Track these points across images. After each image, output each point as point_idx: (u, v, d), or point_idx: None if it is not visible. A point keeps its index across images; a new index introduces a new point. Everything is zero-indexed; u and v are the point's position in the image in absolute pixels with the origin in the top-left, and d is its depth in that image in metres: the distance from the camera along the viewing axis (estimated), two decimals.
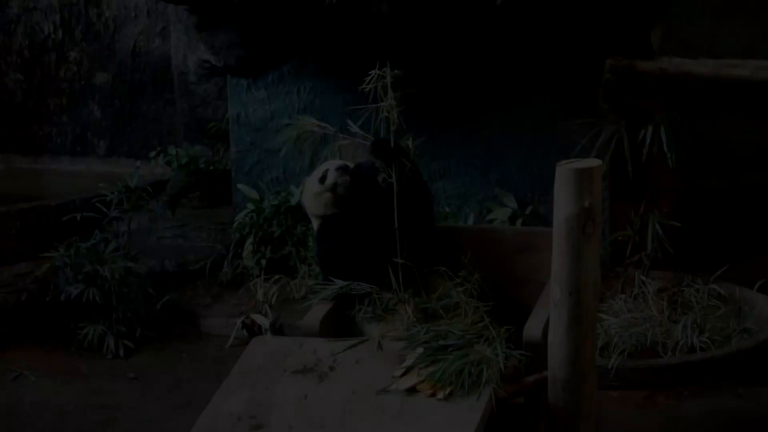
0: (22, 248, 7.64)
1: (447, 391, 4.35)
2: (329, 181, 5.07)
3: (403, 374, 4.48)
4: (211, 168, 8.16)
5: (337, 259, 5.02)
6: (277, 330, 6.52)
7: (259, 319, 6.55)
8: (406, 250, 4.89)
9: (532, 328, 4.71)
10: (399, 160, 4.92)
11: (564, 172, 4.26)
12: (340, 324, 4.97)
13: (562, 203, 4.28)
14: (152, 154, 8.49)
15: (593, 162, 4.33)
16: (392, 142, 4.91)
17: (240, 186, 7.44)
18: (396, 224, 4.87)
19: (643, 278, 6.48)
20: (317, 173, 5.17)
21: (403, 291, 4.89)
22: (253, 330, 6.51)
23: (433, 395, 4.37)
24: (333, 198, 5.08)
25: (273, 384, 4.52)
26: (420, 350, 4.56)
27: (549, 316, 4.46)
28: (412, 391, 4.40)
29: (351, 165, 5.08)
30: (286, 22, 7.14)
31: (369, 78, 4.84)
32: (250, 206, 7.25)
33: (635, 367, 5.91)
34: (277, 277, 6.95)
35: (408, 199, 4.94)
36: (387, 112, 4.83)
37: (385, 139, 4.96)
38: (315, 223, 5.26)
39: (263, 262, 7.06)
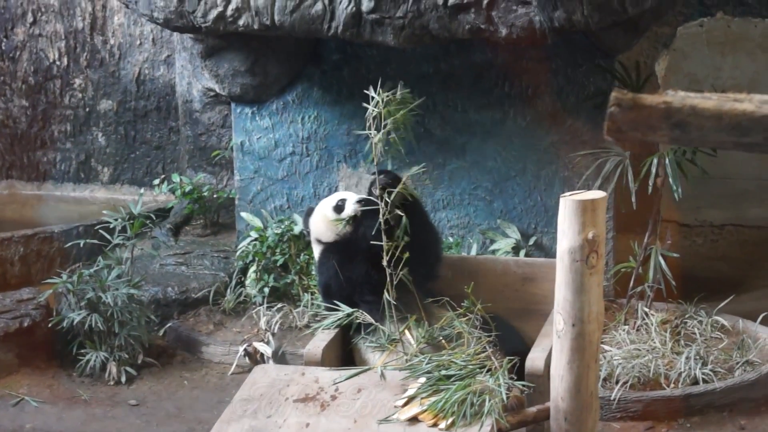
0: (24, 274, 7.65)
1: (449, 421, 4.34)
2: (348, 212, 5.09)
3: (405, 404, 4.48)
4: (215, 196, 8.17)
5: (339, 285, 5.03)
6: (280, 358, 6.51)
7: (261, 347, 6.54)
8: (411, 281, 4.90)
9: (534, 359, 4.71)
10: (403, 195, 4.94)
11: (568, 203, 4.26)
12: (343, 353, 4.97)
13: (566, 234, 4.28)
14: (156, 181, 8.51)
15: (597, 194, 4.33)
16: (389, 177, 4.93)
17: (243, 214, 7.45)
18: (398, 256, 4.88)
19: (646, 310, 6.48)
20: (331, 201, 5.19)
21: (406, 321, 4.89)
22: (255, 358, 6.51)
23: (435, 425, 4.36)
24: (351, 228, 5.10)
25: (274, 412, 4.51)
26: (422, 380, 4.55)
27: (552, 347, 4.46)
28: (414, 420, 4.40)
29: (372, 198, 5.07)
30: (290, 51, 7.16)
31: (373, 101, 4.85)
32: (254, 234, 7.25)
33: (638, 399, 5.90)
34: (279, 305, 6.95)
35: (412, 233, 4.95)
36: (383, 138, 4.83)
37: (388, 173, 4.98)
38: (317, 249, 5.26)
39: (266, 290, 7.05)
